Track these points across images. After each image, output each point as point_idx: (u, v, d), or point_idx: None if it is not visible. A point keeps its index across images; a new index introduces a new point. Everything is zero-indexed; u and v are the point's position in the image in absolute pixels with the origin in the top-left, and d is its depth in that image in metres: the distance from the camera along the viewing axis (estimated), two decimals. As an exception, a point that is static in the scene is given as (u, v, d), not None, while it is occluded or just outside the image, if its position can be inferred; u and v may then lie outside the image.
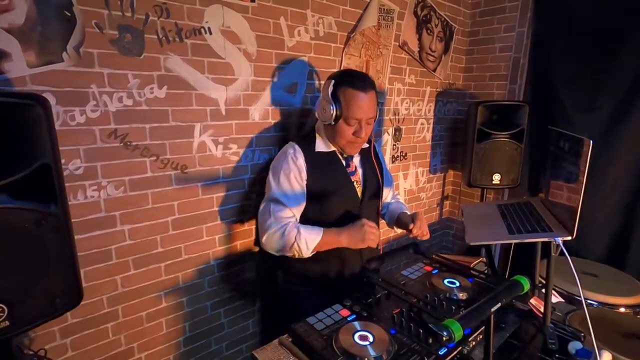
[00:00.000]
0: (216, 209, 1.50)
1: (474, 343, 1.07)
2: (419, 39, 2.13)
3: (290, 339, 1.03)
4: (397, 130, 2.20)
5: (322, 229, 1.23)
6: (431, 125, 2.42)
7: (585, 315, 0.94)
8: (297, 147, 1.28)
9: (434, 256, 1.36)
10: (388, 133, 2.15)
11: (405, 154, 2.30)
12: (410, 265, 1.52)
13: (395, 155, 2.24)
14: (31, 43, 1.01)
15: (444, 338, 0.67)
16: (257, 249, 1.67)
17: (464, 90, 2.53)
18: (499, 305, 0.76)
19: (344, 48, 1.76)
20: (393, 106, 2.13)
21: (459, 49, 2.43)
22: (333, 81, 1.21)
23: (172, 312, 1.47)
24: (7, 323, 0.76)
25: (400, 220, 1.42)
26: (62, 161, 1.04)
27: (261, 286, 1.71)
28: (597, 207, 1.99)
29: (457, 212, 2.69)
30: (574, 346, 1.06)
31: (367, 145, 1.40)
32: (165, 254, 1.40)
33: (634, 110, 1.83)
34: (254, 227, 1.64)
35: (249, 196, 1.59)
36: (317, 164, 1.28)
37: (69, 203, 0.94)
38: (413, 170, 2.40)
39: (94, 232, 1.22)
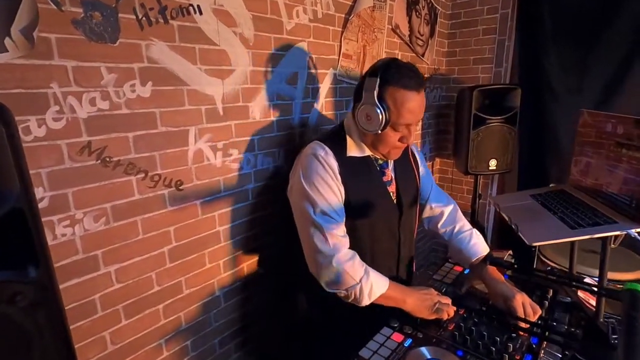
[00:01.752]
0: (219, 228, 1.24)
1: (542, 353, 0.98)
2: (409, 22, 1.99)
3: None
4: (392, 120, 2.06)
5: (387, 279, 1.04)
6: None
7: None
8: (326, 147, 1.04)
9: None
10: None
11: (400, 145, 2.18)
12: (439, 267, 1.41)
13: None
14: (-46, 24, 0.69)
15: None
16: (264, 270, 1.44)
17: (447, 75, 2.47)
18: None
19: (342, 32, 1.56)
20: (388, 95, 1.98)
21: (441, 32, 2.34)
22: (378, 80, 0.97)
23: (176, 360, 1.20)
24: None
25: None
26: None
27: (276, 313, 1.48)
28: None
29: (446, 200, 2.64)
30: None
31: None
32: (162, 292, 1.12)
33: (620, 89, 1.87)
34: (260, 245, 1.40)
35: (254, 208, 1.34)
36: (350, 171, 1.06)
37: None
38: (406, 162, 2.28)
39: (70, 282, 0.92)
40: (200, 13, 1.06)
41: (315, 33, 1.44)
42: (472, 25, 2.30)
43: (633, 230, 0.94)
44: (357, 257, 1.03)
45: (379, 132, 1.00)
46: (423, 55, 2.17)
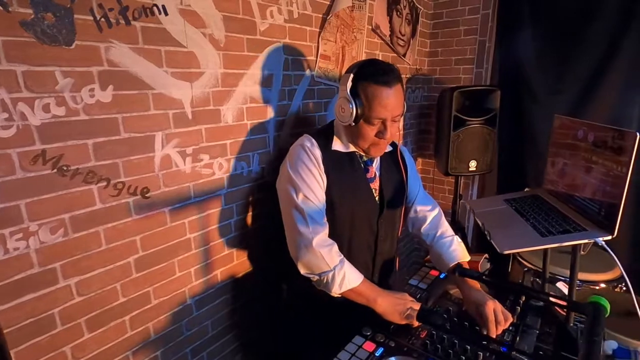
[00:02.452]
0: (189, 236, 1.21)
1: None
2: (390, 22, 1.97)
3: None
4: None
5: (362, 276, 1.07)
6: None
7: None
8: (313, 140, 1.11)
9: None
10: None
11: (381, 146, 2.16)
12: (415, 272, 1.40)
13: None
14: None
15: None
16: (240, 274, 1.41)
17: (429, 75, 2.46)
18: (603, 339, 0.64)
19: (320, 32, 1.53)
20: (368, 96, 1.96)
21: (423, 32, 2.32)
22: (351, 75, 1.02)
23: (145, 372, 1.16)
24: None
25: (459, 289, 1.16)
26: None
27: (252, 317, 1.47)
28: None
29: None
30: (610, 346, 1.02)
31: (390, 149, 1.21)
32: (129, 304, 1.08)
33: (599, 90, 1.88)
34: (234, 250, 1.37)
35: (228, 214, 1.31)
36: (334, 163, 1.11)
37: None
38: (388, 163, 2.27)
39: (25, 297, 0.87)
40: (166, 14, 1.02)
41: (291, 34, 1.41)
42: (453, 25, 2.29)
43: (600, 239, 0.94)
44: (336, 247, 1.07)
45: (353, 124, 1.04)
46: (404, 55, 2.15)
